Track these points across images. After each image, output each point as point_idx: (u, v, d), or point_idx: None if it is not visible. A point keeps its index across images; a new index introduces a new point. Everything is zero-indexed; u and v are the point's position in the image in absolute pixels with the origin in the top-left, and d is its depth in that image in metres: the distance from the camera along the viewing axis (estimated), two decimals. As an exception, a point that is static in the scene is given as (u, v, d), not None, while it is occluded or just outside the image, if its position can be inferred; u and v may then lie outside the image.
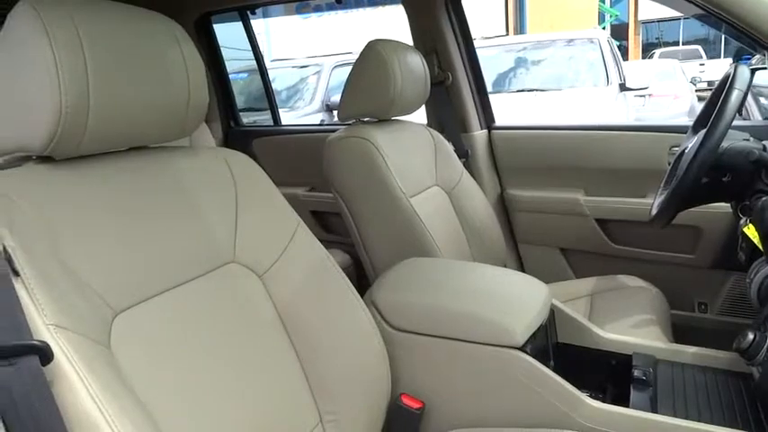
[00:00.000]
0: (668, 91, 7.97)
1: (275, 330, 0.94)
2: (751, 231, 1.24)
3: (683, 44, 18.26)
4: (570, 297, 1.70)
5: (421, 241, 1.47)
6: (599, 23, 15.41)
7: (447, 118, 1.96)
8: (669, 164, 1.77)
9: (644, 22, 17.88)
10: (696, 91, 9.37)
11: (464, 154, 1.95)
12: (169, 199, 0.86)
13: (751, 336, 1.02)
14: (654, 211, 1.45)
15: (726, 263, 1.74)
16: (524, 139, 1.99)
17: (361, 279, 1.81)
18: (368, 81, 1.51)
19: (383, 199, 1.49)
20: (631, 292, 1.66)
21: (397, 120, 1.69)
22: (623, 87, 4.95)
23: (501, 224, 1.90)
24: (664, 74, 8.46)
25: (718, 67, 14.80)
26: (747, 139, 1.31)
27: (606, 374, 1.28)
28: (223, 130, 2.51)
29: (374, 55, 1.50)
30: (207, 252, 0.89)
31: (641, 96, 7.13)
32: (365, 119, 1.63)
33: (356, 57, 1.55)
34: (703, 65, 14.36)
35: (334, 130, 1.60)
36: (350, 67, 1.58)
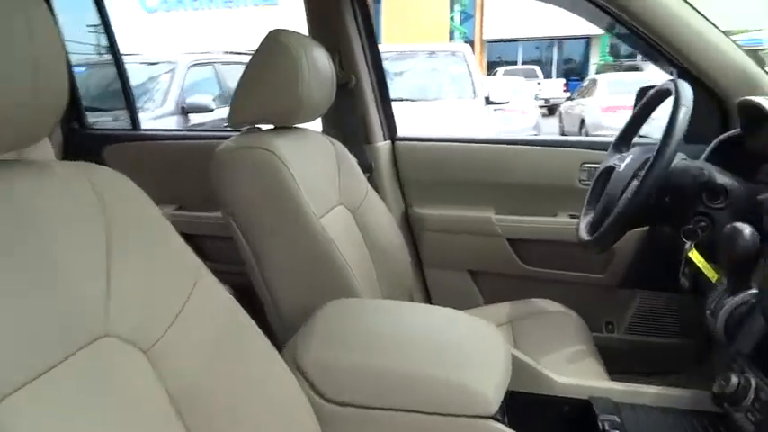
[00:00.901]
0: (516, 106, 8.47)
1: (168, 425, 0.65)
2: (696, 256, 1.17)
3: (521, 64, 19.85)
4: (488, 325, 1.56)
5: (339, 275, 1.22)
6: (449, 40, 16.17)
7: (349, 126, 1.73)
8: (580, 181, 1.71)
9: (488, 42, 19.13)
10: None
11: (368, 168, 1.73)
12: (7, 241, 0.54)
13: (735, 379, 0.91)
14: (585, 235, 1.35)
15: (633, 282, 1.71)
16: (430, 153, 1.82)
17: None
18: (271, 79, 1.23)
19: (291, 222, 1.22)
20: (551, 318, 1.55)
21: (296, 127, 1.42)
22: (488, 101, 5.10)
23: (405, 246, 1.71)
24: (512, 90, 9.04)
25: (553, 86, 16.26)
26: (685, 159, 1.25)
27: (563, 424, 1.13)
28: (63, 133, 2.04)
29: (279, 48, 1.22)
30: (69, 321, 0.57)
31: (496, 111, 7.53)
32: (262, 125, 1.34)
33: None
34: (540, 83, 15.66)
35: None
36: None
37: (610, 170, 1.42)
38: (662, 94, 1.30)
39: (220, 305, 0.74)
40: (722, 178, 1.17)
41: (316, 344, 0.92)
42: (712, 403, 1.05)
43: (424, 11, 14.31)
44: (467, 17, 20.01)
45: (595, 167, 1.68)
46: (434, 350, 0.92)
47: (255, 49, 1.25)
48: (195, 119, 5.05)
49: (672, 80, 1.23)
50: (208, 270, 0.74)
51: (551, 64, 21.42)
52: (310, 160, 1.37)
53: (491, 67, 18.74)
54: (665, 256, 1.62)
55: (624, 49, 20.77)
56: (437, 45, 5.89)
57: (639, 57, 19.88)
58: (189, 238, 1.96)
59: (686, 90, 1.16)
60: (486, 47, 19.78)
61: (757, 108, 1.31)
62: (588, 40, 21.02)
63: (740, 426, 0.90)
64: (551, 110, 13.96)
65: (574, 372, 1.25)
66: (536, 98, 11.49)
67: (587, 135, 9.04)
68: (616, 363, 1.38)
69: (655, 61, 1.67)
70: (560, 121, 11.55)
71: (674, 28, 1.47)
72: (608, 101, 8.81)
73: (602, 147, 1.68)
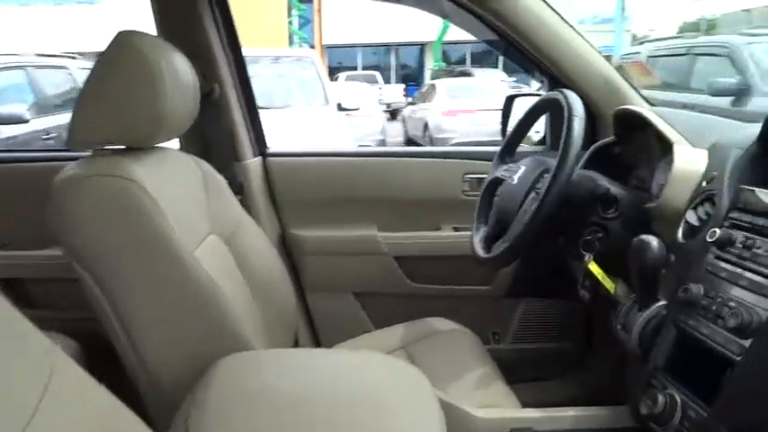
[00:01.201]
0: (363, 111, 8.57)
1: None
2: (595, 268, 1.16)
3: (362, 69, 20.25)
4: (382, 352, 1.45)
5: (223, 320, 1.03)
6: (289, 45, 15.96)
7: (214, 142, 1.52)
8: (463, 192, 1.67)
9: (328, 47, 19.23)
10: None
11: (239, 189, 1.53)
12: None
13: (661, 398, 0.90)
14: (481, 251, 1.30)
15: (519, 291, 1.72)
16: (305, 169, 1.67)
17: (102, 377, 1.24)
18: (123, 91, 1.00)
19: (158, 262, 1.00)
20: (446, 338, 1.48)
21: (156, 147, 1.19)
22: (340, 107, 5.03)
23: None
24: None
25: (393, 91, 16.77)
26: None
27: None
28: None
29: (132, 53, 1.00)
30: None
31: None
32: (114, 146, 1.10)
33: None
34: (381, 89, 16.07)
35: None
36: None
37: (497, 182, 1.39)
38: (548, 104, 1.29)
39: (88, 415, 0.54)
40: (614, 188, 1.17)
41: (212, 425, 0.74)
42: (631, 418, 1.04)
43: (263, 15, 13.96)
44: (305, 22, 19.96)
45: (478, 178, 1.66)
46: (365, 412, 0.78)
47: (100, 53, 1.01)
48: (5, 131, 4.35)
49: (559, 90, 1.22)
50: (70, 366, 0.54)
51: (390, 69, 22.15)
52: (174, 186, 1.15)
53: (332, 73, 18.87)
54: (548, 264, 1.64)
55: (454, 55, 22.18)
56: (285, 50, 5.72)
57: (469, 63, 21.43)
58: (14, 284, 1.61)
59: (576, 100, 1.15)
60: (325, 52, 19.88)
61: (633, 117, 1.35)
62: (422, 46, 22.09)
63: None
64: (393, 114, 14.38)
65: (485, 398, 1.19)
66: (379, 103, 11.76)
67: (431, 138, 9.41)
68: (505, 373, 1.35)
69: (526, 70, 1.69)
70: (404, 125, 11.92)
71: (547, 38, 1.48)
72: (448, 105, 9.24)
73: (483, 157, 1.66)
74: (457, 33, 19.92)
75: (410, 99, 14.09)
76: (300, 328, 1.65)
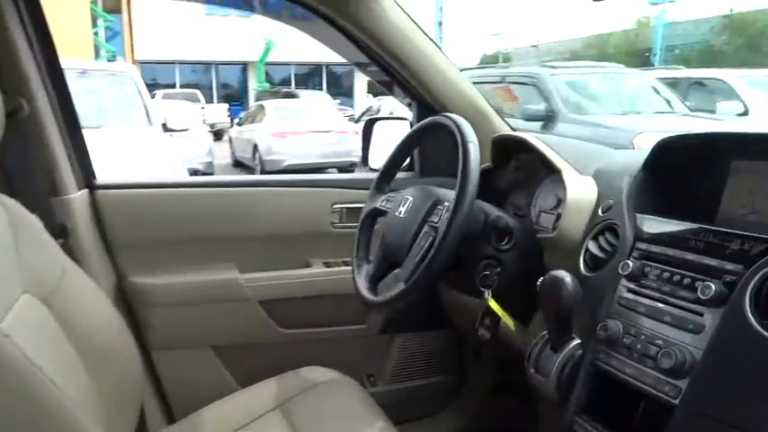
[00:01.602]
0: (187, 132, 8.06)
1: None
2: (495, 306, 1.09)
3: (180, 87, 19.16)
4: (253, 416, 1.24)
5: (45, 409, 0.75)
6: (95, 58, 14.53)
7: (25, 173, 1.19)
8: (332, 224, 1.53)
9: (141, 63, 17.85)
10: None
11: (60, 231, 1.22)
12: None
13: None
14: (369, 293, 1.16)
15: (395, 326, 1.61)
16: (145, 202, 1.40)
17: None
18: None
19: None
20: (326, 389, 1.31)
21: None
22: (166, 128, 4.59)
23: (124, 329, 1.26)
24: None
25: (216, 111, 16.10)
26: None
27: None
28: None
29: None
30: None
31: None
32: None
33: None
34: (204, 108, 15.31)
35: None
36: None
37: (377, 213, 1.27)
38: (433, 129, 1.20)
39: None
40: (506, 217, 1.11)
41: None
42: None
43: (63, 24, 12.51)
44: (113, 34, 18.39)
45: (348, 208, 1.52)
46: None
47: None
48: None
49: (444, 115, 1.13)
50: None
51: (211, 88, 21.27)
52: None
53: (148, 90, 17.60)
54: (423, 298, 1.56)
55: (277, 75, 22.04)
56: (97, 64, 5.07)
57: (294, 84, 21.43)
58: None
59: (467, 125, 1.07)
60: (138, 68, 18.48)
61: (513, 144, 1.32)
62: (245, 65, 21.58)
63: None
64: (217, 135, 13.79)
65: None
66: (203, 123, 11.18)
67: (261, 160, 9.12)
68: (388, 415, 1.23)
69: (392, 92, 1.60)
70: (231, 147, 11.45)
71: (417, 60, 1.41)
72: (277, 126, 9.05)
73: (353, 185, 1.53)
74: (280, 54, 19.86)
75: (235, 119, 13.63)
76: (148, 398, 1.36)
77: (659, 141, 0.99)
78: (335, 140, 9.00)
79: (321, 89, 21.29)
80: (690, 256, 0.83)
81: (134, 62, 16.92)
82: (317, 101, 13.01)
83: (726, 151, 0.96)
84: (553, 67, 6.26)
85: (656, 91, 6.55)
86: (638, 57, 25.15)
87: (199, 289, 1.41)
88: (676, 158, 1.00)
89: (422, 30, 1.41)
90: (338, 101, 17.85)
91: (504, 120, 1.52)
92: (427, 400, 1.69)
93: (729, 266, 0.77)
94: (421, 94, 1.48)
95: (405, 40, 1.38)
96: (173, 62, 20.06)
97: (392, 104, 9.09)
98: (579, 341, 0.93)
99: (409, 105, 1.58)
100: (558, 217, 1.15)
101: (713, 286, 0.76)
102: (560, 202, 1.19)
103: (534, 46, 33.86)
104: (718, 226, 0.84)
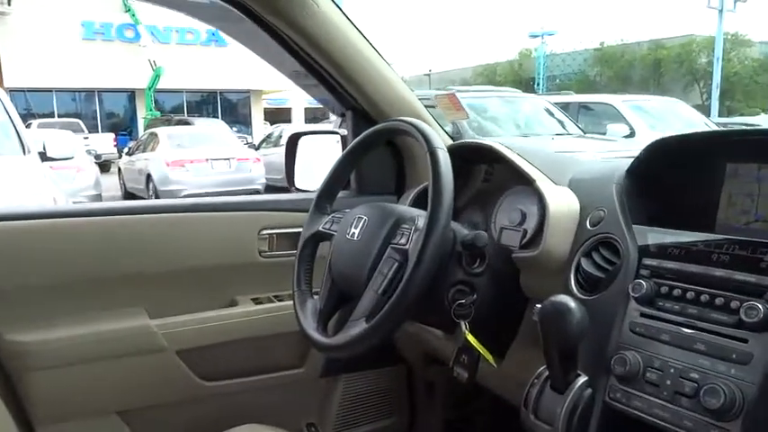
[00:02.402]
0: (72, 163, 7.42)
1: None
2: (474, 340, 0.93)
3: (58, 116, 17.74)
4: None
5: None
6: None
7: None
8: (261, 253, 1.31)
9: (12, 90, 16.33)
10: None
11: None
12: None
13: None
14: (318, 335, 0.96)
15: (336, 367, 1.41)
16: (18, 237, 1.11)
17: None
18: None
19: None
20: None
21: None
22: (45, 156, 4.07)
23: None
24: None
25: (101, 141, 15.07)
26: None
27: None
28: None
29: None
30: None
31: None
32: None
33: None
34: (87, 137, 14.23)
35: None
36: None
37: (320, 237, 1.07)
38: (385, 136, 1.04)
39: None
40: (481, 235, 0.95)
41: None
42: None
43: None
44: (-22, 60, 16.71)
45: (279, 233, 1.31)
46: None
47: None
48: None
49: (402, 120, 0.97)
50: None
51: (94, 118, 19.88)
52: None
53: (22, 120, 16.11)
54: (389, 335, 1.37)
55: (169, 103, 21.08)
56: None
57: (186, 111, 20.56)
58: None
59: (430, 130, 0.92)
60: (9, 96, 16.91)
61: (467, 153, 1.19)
62: (132, 93, 20.42)
63: None
64: (103, 167, 12.85)
65: None
66: (88, 153, 10.37)
67: (156, 191, 8.52)
68: None
69: (321, 101, 1.42)
70: (120, 178, 10.68)
71: (358, 66, 1.25)
72: (173, 154, 8.53)
73: (284, 207, 1.32)
74: (171, 81, 19.07)
75: (124, 149, 12.79)
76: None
77: (652, 143, 0.89)
78: (236, 168, 8.63)
79: (216, 116, 20.58)
80: (718, 272, 0.71)
81: (3, 88, 15.47)
82: (213, 128, 12.48)
83: (719, 154, 0.87)
84: (458, 91, 6.38)
85: (551, 113, 6.86)
86: (524, 85, 26.78)
87: (97, 342, 1.13)
88: (665, 164, 0.90)
89: (360, 31, 1.25)
90: (235, 129, 17.29)
91: (445, 131, 1.39)
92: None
93: None
94: (358, 102, 1.31)
95: (341, 41, 1.21)
96: (50, 90, 18.54)
97: (291, 130, 8.91)
98: (587, 378, 0.78)
99: (343, 116, 1.40)
100: (525, 234, 1.02)
101: (760, 307, 0.64)
102: (525, 216, 1.06)
103: (427, 74, 35.13)
104: (718, 234, 0.74)
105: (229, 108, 22.89)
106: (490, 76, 30.69)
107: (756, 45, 26.61)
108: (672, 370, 0.70)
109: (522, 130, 6.37)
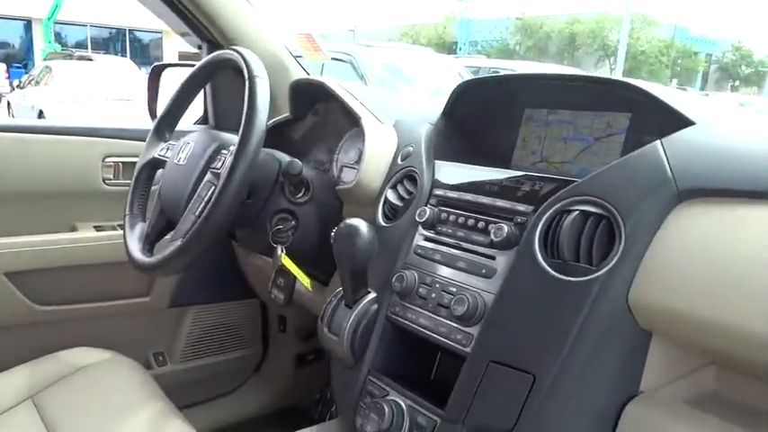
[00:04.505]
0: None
1: None
2: (289, 263, 0.99)
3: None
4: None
5: None
6: None
7: None
8: (105, 181, 1.30)
9: None
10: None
11: None
12: None
13: (387, 410, 0.76)
14: (142, 255, 0.99)
15: (187, 298, 1.43)
16: None
17: None
18: None
19: None
20: (94, 372, 1.11)
21: None
22: None
23: None
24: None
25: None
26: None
27: None
28: None
29: None
30: None
31: None
32: None
33: None
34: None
35: None
36: None
37: (156, 164, 1.09)
38: (218, 66, 1.05)
39: None
40: (301, 165, 1.00)
41: None
42: None
43: None
44: None
45: (125, 162, 1.30)
46: None
47: None
48: None
49: (232, 49, 0.99)
50: None
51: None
52: None
53: None
54: (217, 262, 1.41)
55: (73, 37, 19.55)
56: None
57: (90, 47, 19.14)
58: None
59: (255, 59, 0.94)
60: None
61: (311, 90, 1.22)
62: (29, 22, 18.72)
63: None
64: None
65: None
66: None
67: (48, 128, 7.97)
68: (176, 398, 1.08)
69: (182, 34, 1.40)
70: (9, 113, 9.87)
71: (215, 2, 1.24)
72: (69, 91, 7.96)
73: (129, 135, 1.31)
74: (75, 13, 17.60)
75: (16, 82, 11.81)
76: None
77: (456, 87, 0.96)
78: (139, 110, 8.19)
79: (125, 56, 19.31)
80: (484, 200, 0.80)
81: None
82: (118, 67, 11.72)
83: (520, 99, 0.96)
84: (368, 46, 6.34)
85: (461, 77, 7.00)
86: (447, 48, 26.97)
87: None
88: (474, 106, 0.98)
89: None
90: (144, 70, 16.32)
91: (305, 70, 1.41)
92: (227, 377, 1.54)
93: (521, 208, 0.75)
94: (213, 35, 1.31)
95: None
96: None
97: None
98: (375, 295, 0.86)
99: (199, 48, 1.39)
100: (342, 169, 1.09)
101: (505, 228, 0.73)
102: (362, 155, 1.13)
103: (351, 30, 34.49)
104: (512, 171, 0.83)
105: (140, 48, 21.54)
106: (415, 37, 30.65)
107: (664, 26, 28.15)
108: (437, 285, 0.79)
109: (433, 91, 6.47)
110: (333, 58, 6.41)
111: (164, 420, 0.99)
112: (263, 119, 0.88)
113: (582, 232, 0.67)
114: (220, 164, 0.93)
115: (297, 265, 0.99)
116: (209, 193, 0.91)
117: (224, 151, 0.95)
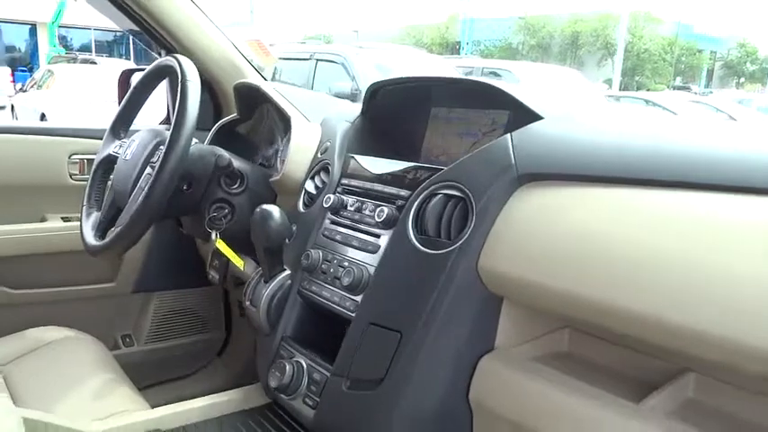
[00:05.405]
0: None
1: None
2: (223, 246, 1.11)
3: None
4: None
5: None
6: None
7: None
8: (72, 176, 1.43)
9: None
10: None
11: None
12: None
13: (288, 367, 0.89)
14: (93, 239, 1.11)
15: (150, 284, 1.56)
16: None
17: None
18: None
19: None
20: (59, 348, 1.23)
21: None
22: None
23: None
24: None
25: (-3, 76, 14.03)
26: (197, 143, 1.16)
27: None
28: None
29: None
30: None
31: None
32: None
33: None
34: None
35: None
36: None
37: (110, 160, 1.21)
38: (162, 71, 1.17)
39: None
40: (238, 162, 1.13)
41: None
42: (265, 396, 1.01)
43: None
44: None
45: (89, 159, 1.43)
46: None
47: None
48: None
49: (173, 56, 1.11)
50: None
51: (-11, 51, 18.43)
52: None
53: None
54: (179, 251, 1.53)
55: (78, 40, 19.80)
56: None
57: (94, 50, 19.37)
58: None
59: (190, 65, 1.07)
60: None
61: (253, 92, 1.34)
62: (34, 26, 18.99)
63: (299, 412, 0.89)
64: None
65: (105, 410, 1.01)
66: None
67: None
68: (138, 378, 1.21)
69: (145, 44, 1.53)
70: (13, 115, 10.08)
71: (162, 5, 1.36)
72: (70, 95, 8.14)
73: (93, 135, 1.43)
74: (79, 16, 17.84)
75: (20, 85, 12.02)
76: None
77: (368, 87, 1.08)
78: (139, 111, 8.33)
79: (128, 59, 19.54)
80: (378, 187, 0.92)
81: None
82: (120, 70, 11.89)
83: (427, 99, 1.08)
84: (360, 47, 6.47)
85: (453, 77, 7.09)
86: (450, 48, 27.06)
87: None
88: (387, 105, 1.09)
89: None
90: (148, 72, 16.44)
91: (258, 72, 1.53)
92: (191, 359, 1.66)
93: (402, 192, 0.87)
94: (170, 42, 1.43)
95: None
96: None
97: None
98: (289, 272, 0.98)
99: (160, 55, 1.52)
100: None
101: (386, 210, 0.85)
102: (288, 150, 1.24)
103: (355, 31, 34.64)
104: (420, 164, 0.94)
105: (144, 51, 21.75)
106: (418, 38, 30.77)
107: (667, 24, 28.11)
108: (335, 261, 0.91)
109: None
110: (325, 60, 6.57)
111: (112, 388, 1.11)
112: (191, 118, 1.00)
113: (443, 212, 0.79)
114: (156, 157, 1.05)
115: (234, 249, 1.11)
116: (149, 184, 1.03)
117: (162, 147, 1.07)
